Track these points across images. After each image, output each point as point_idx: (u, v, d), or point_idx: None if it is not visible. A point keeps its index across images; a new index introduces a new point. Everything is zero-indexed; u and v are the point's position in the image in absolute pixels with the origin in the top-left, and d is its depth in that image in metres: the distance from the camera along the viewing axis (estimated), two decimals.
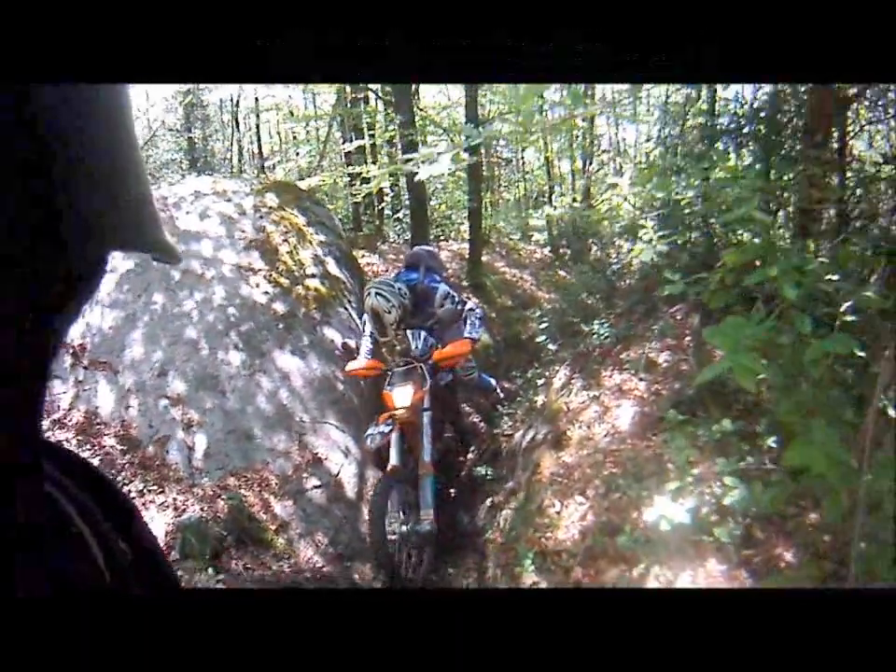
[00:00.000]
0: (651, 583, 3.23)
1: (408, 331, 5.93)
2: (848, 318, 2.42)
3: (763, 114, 5.70)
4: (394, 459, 5.02)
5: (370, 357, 5.75)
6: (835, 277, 2.63)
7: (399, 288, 5.56)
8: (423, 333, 5.83)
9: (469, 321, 5.61)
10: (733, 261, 2.62)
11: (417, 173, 3.08)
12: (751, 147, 5.87)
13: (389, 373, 5.58)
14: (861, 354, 2.21)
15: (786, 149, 5.23)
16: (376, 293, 5.44)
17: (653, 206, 5.30)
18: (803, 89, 4.75)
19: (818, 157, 3.81)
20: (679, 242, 4.84)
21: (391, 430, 5.04)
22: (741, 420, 3.53)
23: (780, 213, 5.43)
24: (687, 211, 4.82)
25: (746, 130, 5.78)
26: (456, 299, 5.79)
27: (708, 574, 3.12)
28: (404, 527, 4.86)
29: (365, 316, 5.79)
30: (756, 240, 3.17)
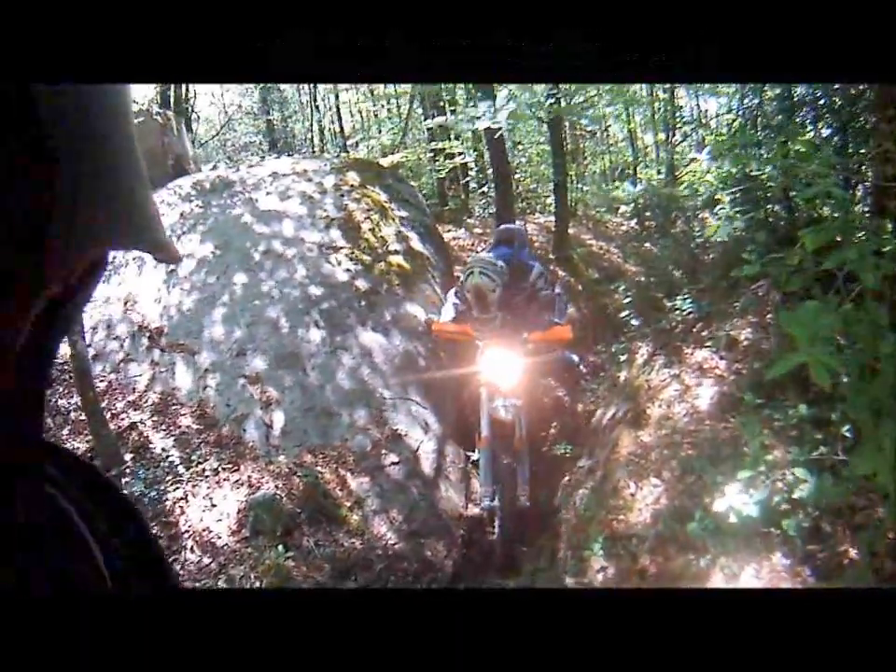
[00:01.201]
0: (717, 575, 3.16)
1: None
2: None
3: (836, 86, 5.45)
4: (486, 430, 5.06)
5: (457, 320, 5.57)
6: None
7: (500, 266, 5.37)
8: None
9: (557, 306, 5.53)
10: (811, 242, 2.51)
11: (501, 144, 3.04)
12: (828, 120, 5.64)
13: (481, 346, 5.42)
14: None
15: (861, 122, 5.00)
16: (480, 272, 5.23)
17: (733, 181, 5.13)
18: None
19: (891, 131, 3.60)
20: (756, 218, 4.67)
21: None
22: (816, 406, 3.40)
23: (859, 188, 5.20)
24: (767, 185, 4.65)
25: (822, 101, 5.55)
26: (548, 279, 5.70)
27: (773, 568, 3.02)
28: (495, 501, 4.91)
29: (449, 294, 5.76)
30: (835, 214, 3.03)
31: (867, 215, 4.25)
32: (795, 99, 6.04)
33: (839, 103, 5.25)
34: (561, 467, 5.77)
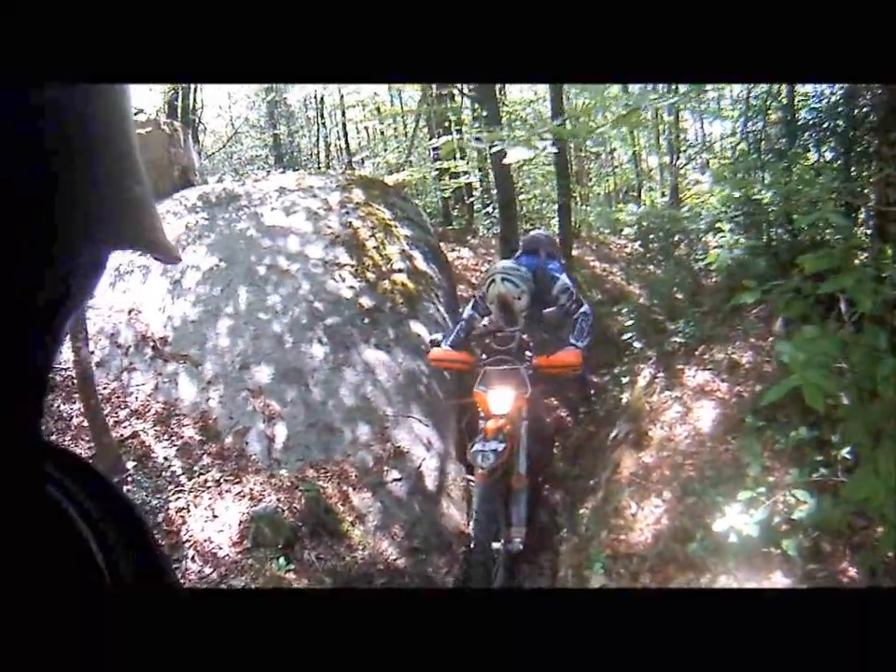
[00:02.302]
0: None
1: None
2: None
3: (840, 109, 5.49)
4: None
5: (455, 346, 5.32)
6: None
7: (524, 272, 5.12)
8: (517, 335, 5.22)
9: (578, 326, 5.15)
10: (809, 268, 2.54)
11: (506, 165, 3.09)
12: (832, 144, 5.67)
13: (481, 371, 5.10)
14: None
15: (864, 146, 5.03)
16: (503, 279, 4.99)
17: (735, 205, 5.16)
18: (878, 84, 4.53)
19: (893, 155, 3.64)
20: (756, 245, 4.70)
21: (505, 449, 4.53)
22: (817, 428, 3.43)
23: (862, 212, 5.23)
24: (770, 209, 4.68)
25: (826, 125, 5.59)
26: (574, 296, 5.30)
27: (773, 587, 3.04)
28: (495, 543, 4.49)
29: (466, 307, 5.57)
30: (837, 237, 3.07)
31: (868, 239, 4.29)
32: (799, 122, 6.09)
33: (843, 126, 5.29)
34: (561, 486, 5.78)
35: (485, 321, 5.44)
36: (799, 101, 7.05)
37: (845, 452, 2.96)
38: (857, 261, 2.75)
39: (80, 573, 0.56)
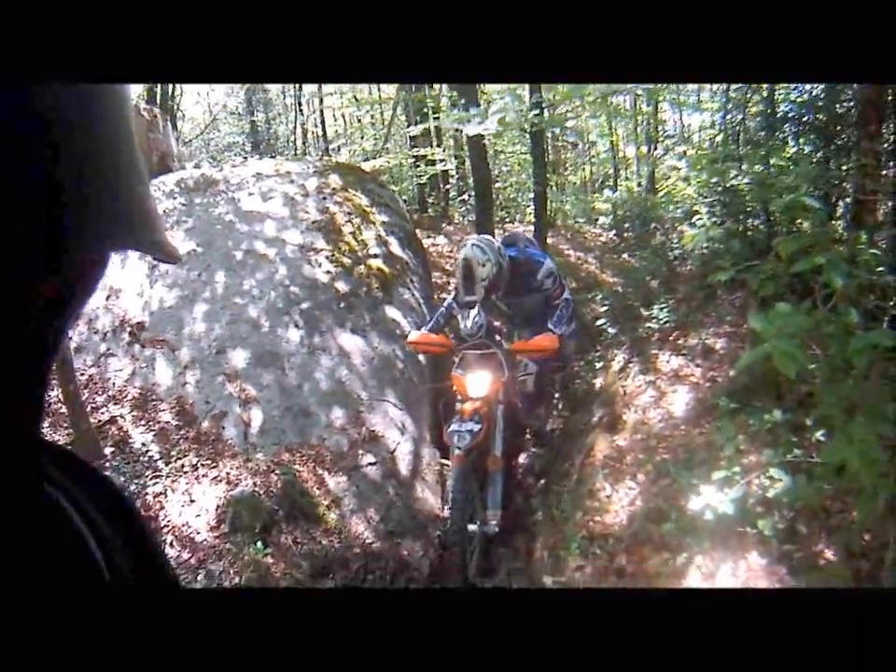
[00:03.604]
0: (693, 573, 3.22)
1: (474, 308, 5.18)
2: None
3: (820, 103, 5.55)
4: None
5: (435, 330, 5.34)
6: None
7: (500, 249, 5.10)
8: (481, 313, 5.19)
9: (558, 312, 5.15)
10: (785, 249, 2.57)
11: (483, 153, 3.09)
12: (811, 137, 5.73)
13: (459, 354, 5.17)
14: None
15: (843, 139, 5.10)
16: (473, 244, 5.00)
17: (711, 193, 5.21)
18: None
19: (871, 148, 3.71)
20: (732, 229, 4.76)
21: (482, 429, 4.56)
22: (791, 411, 3.48)
23: (840, 203, 5.29)
24: (747, 197, 4.73)
25: (805, 119, 5.65)
26: (558, 280, 5.31)
27: (749, 567, 3.09)
28: (471, 526, 4.54)
29: (448, 297, 5.58)
30: (814, 227, 3.11)
31: (844, 231, 4.36)
32: (778, 115, 6.14)
33: (822, 120, 5.35)
34: (537, 469, 5.82)
35: (460, 317, 5.32)
36: (779, 94, 7.12)
37: (819, 434, 3.01)
38: (831, 248, 2.78)
39: (79, 571, 0.56)
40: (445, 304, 5.55)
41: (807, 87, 6.41)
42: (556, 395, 6.62)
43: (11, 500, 0.49)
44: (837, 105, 5.34)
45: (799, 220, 4.49)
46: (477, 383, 4.87)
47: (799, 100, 6.13)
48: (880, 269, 2.51)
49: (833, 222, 4.82)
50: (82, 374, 5.52)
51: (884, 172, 4.17)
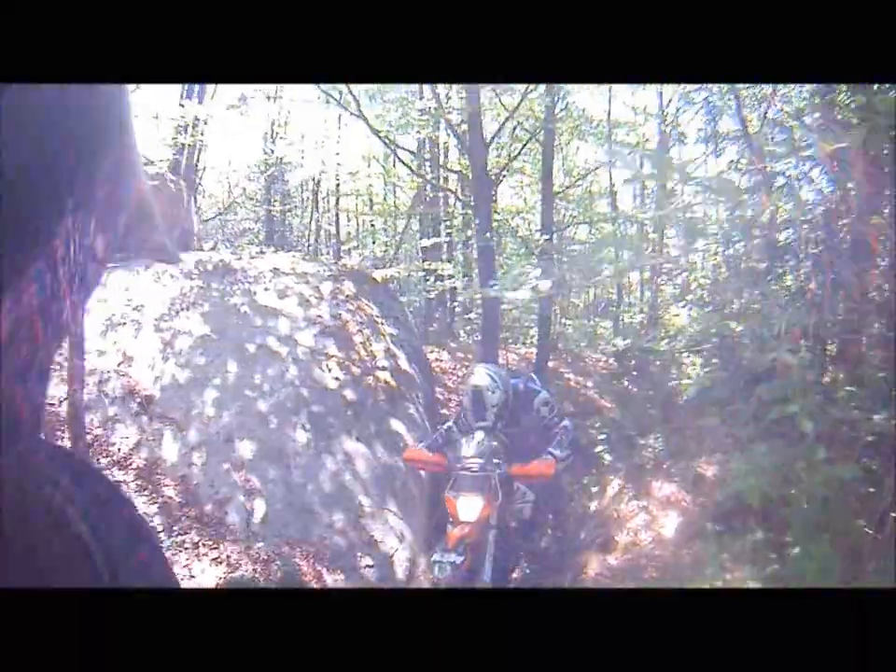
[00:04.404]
0: None
1: (479, 432, 5.21)
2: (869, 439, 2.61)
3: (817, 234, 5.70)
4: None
5: (433, 449, 5.44)
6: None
7: (506, 376, 5.28)
8: (486, 439, 5.17)
9: (558, 438, 5.20)
10: (764, 395, 2.82)
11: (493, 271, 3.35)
12: (807, 269, 5.84)
13: (454, 475, 5.08)
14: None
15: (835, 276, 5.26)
16: (486, 373, 5.15)
17: (708, 335, 5.39)
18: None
19: (860, 284, 3.86)
20: (721, 377, 4.95)
21: (464, 561, 4.52)
22: (772, 532, 3.64)
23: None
24: (739, 339, 4.89)
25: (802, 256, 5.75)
26: (555, 409, 5.47)
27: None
28: None
29: (449, 421, 5.72)
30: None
31: (829, 367, 4.52)
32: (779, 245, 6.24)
33: (820, 249, 5.46)
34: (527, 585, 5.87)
35: (464, 441, 5.34)
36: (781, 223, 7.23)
37: (795, 550, 3.18)
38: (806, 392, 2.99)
39: (79, 572, 0.57)
40: (446, 427, 5.67)
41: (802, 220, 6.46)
42: (550, 516, 6.72)
43: (11, 500, 0.49)
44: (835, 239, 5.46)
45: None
46: (468, 507, 4.82)
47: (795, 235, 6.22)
48: (854, 406, 2.73)
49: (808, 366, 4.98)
50: (88, 433, 5.49)
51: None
